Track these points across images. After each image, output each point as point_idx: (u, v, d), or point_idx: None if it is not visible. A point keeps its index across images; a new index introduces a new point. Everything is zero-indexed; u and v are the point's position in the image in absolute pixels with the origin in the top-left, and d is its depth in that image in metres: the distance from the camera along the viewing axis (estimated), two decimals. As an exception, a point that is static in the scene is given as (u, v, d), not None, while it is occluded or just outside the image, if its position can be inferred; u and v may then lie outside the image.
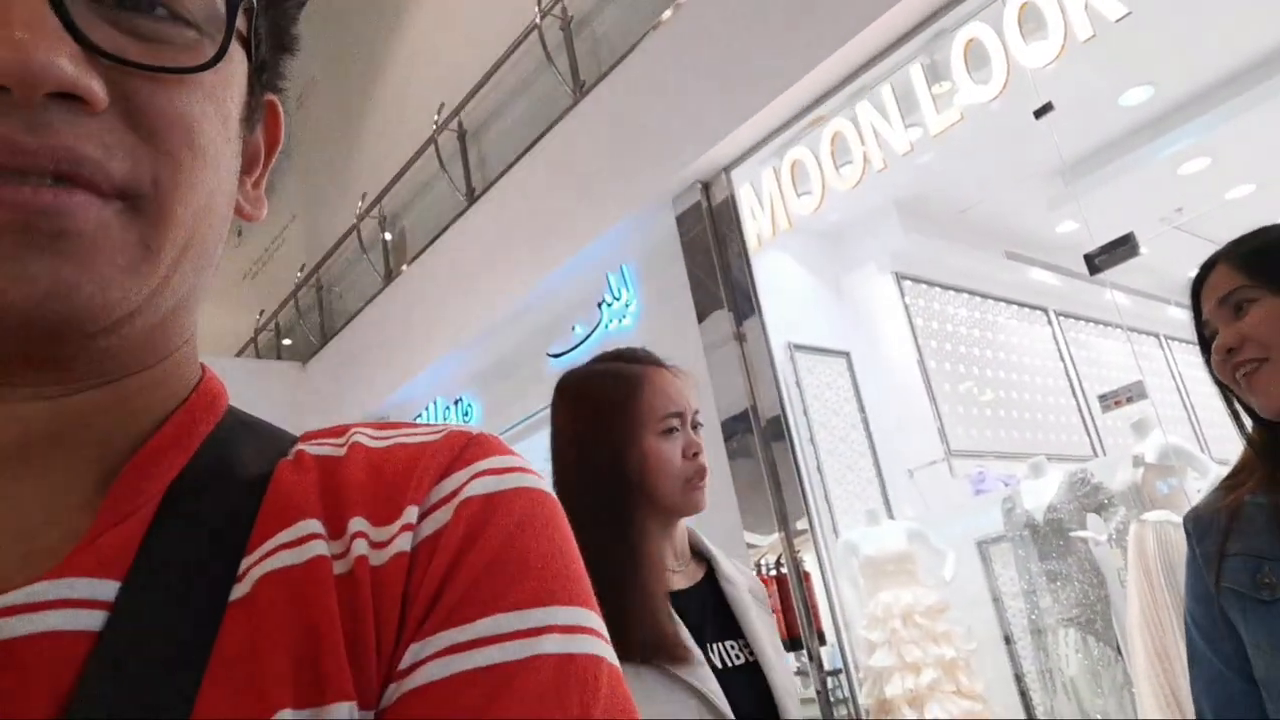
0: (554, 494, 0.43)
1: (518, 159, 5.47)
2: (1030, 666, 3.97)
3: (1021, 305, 5.85)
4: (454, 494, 0.40)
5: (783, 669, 1.15)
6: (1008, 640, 4.15)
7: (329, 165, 8.85)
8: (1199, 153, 4.96)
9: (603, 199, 4.81)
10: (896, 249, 4.91)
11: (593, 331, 5.14)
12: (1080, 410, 5.62)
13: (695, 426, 1.22)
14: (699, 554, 1.25)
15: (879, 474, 4.49)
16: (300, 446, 0.43)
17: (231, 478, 0.40)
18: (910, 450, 4.65)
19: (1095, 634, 3.67)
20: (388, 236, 7.26)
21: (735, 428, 4.19)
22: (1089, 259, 3.25)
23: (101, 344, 0.36)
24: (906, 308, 4.97)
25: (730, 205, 4.38)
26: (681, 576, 1.20)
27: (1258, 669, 1.01)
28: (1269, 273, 1.07)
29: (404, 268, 6.74)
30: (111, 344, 0.37)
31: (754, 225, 4.34)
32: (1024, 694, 4.05)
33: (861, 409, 4.58)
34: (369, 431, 0.44)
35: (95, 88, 0.33)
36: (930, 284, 5.23)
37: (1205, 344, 1.14)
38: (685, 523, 1.25)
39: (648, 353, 1.28)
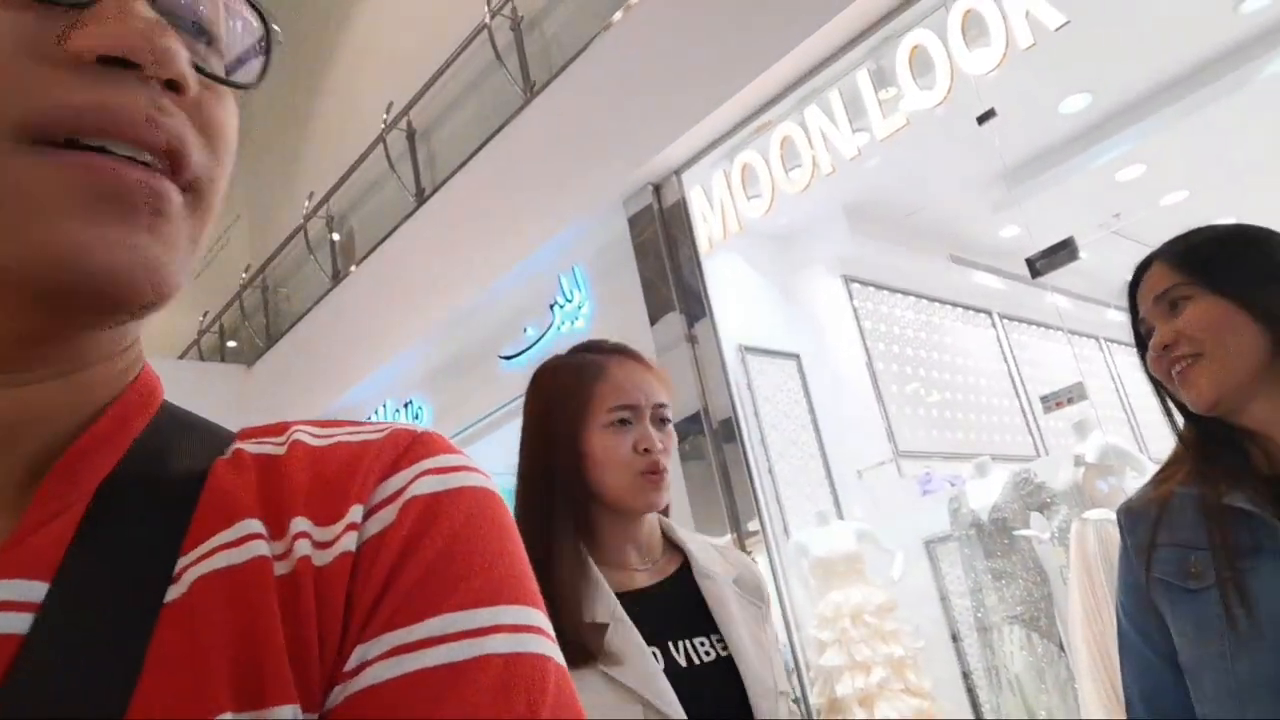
0: (496, 490, 0.42)
1: (468, 159, 5.42)
2: (977, 664, 4.03)
3: (966, 308, 5.96)
4: (399, 493, 0.39)
5: (760, 663, 1.11)
6: (954, 638, 4.21)
7: (275, 163, 8.70)
8: (1135, 159, 5.10)
9: (554, 200, 4.79)
10: (845, 252, 4.97)
11: (545, 333, 5.12)
12: (1023, 411, 5.75)
13: (661, 422, 1.18)
14: (676, 548, 1.22)
15: (829, 475, 4.53)
16: (238, 445, 0.42)
17: (166, 476, 0.39)
18: (859, 451, 4.70)
19: (1039, 631, 3.75)
20: (335, 237, 7.16)
21: (687, 429, 4.21)
22: (1030, 263, 3.32)
23: (117, 329, 0.37)
24: (855, 310, 5.03)
25: (681, 207, 4.40)
26: (646, 574, 1.17)
27: (1184, 657, 1.03)
28: (1203, 270, 1.09)
29: (352, 268, 6.65)
30: (118, 331, 0.38)
31: (705, 228, 4.36)
32: (970, 691, 4.12)
33: (811, 410, 4.62)
34: (310, 429, 0.44)
35: (195, 83, 0.36)
36: (878, 287, 5.30)
37: (1142, 342, 1.15)
38: (656, 517, 1.22)
39: (621, 346, 1.24)
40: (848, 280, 5.07)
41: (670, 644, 1.09)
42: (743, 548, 4.04)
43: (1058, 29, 3.11)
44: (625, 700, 1.02)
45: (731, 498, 4.10)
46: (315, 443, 0.42)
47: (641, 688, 1.03)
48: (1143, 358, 1.15)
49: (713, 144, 4.21)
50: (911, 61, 3.54)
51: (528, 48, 5.32)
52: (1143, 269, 1.16)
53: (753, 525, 4.06)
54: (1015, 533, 3.86)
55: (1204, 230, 1.15)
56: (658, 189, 4.48)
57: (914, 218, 5.29)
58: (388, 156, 6.28)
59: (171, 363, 8.48)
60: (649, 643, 1.08)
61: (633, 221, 4.57)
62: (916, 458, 4.90)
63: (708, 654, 1.10)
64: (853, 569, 3.97)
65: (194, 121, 0.37)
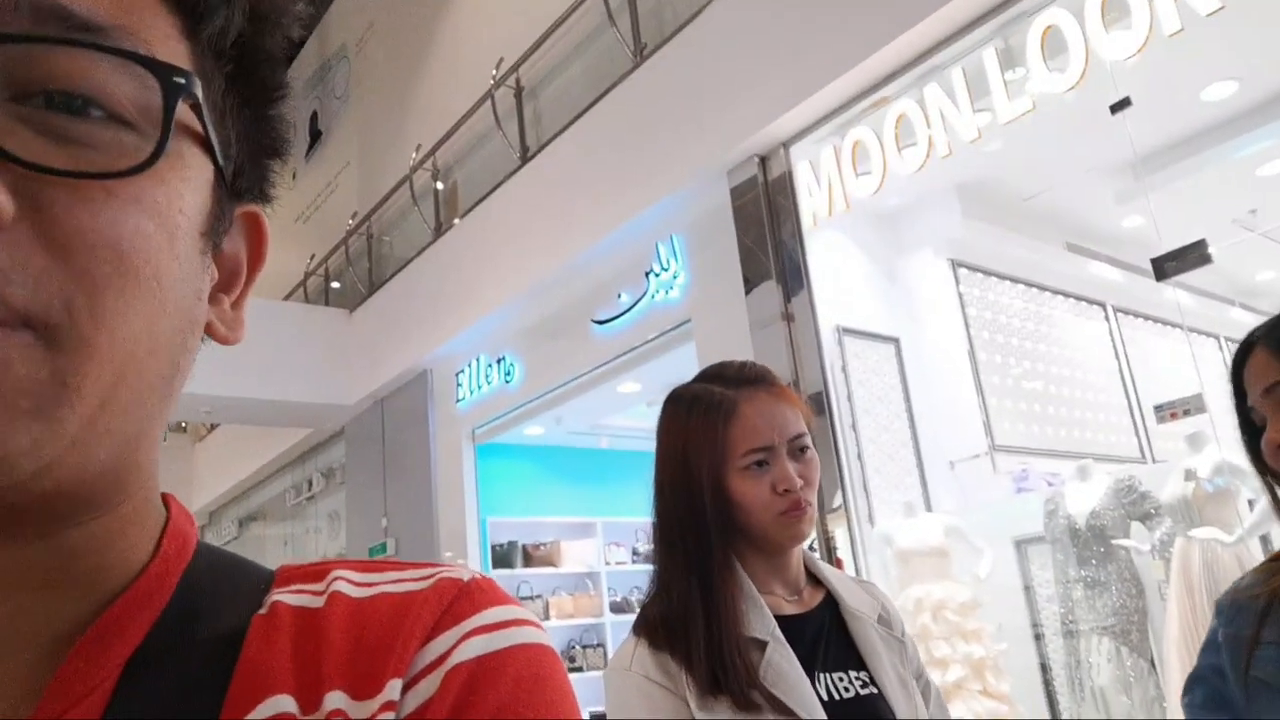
0: (552, 646, 0.39)
1: (573, 120, 5.41)
2: (1060, 672, 3.91)
3: (1079, 299, 5.69)
4: (441, 660, 0.36)
5: (905, 701, 1.11)
6: (1038, 640, 4.09)
7: (385, 113, 8.85)
8: (1279, 154, 4.74)
9: (657, 166, 4.74)
10: (954, 235, 4.78)
11: (639, 300, 5.10)
12: (1131, 411, 5.48)
13: (800, 451, 1.16)
14: (816, 580, 1.22)
15: (920, 464, 4.42)
16: (276, 596, 0.39)
17: (199, 644, 0.36)
18: (953, 442, 4.57)
19: (1130, 645, 3.61)
20: (440, 186, 7.26)
21: (776, 403, 4.16)
22: (1157, 264, 3.13)
23: (10, 500, 0.31)
24: (960, 296, 4.85)
25: (787, 181, 4.30)
26: (793, 604, 1.17)
27: None
28: None
29: (455, 221, 6.74)
30: (28, 500, 0.32)
31: (809, 203, 4.26)
32: (1051, 698, 4.00)
33: (906, 397, 4.51)
34: (352, 575, 0.40)
35: (6, 204, 0.29)
36: (986, 273, 5.09)
37: (1248, 424, 1.11)
38: (800, 549, 1.21)
39: (750, 371, 1.22)
40: (955, 264, 4.89)
41: (815, 675, 1.09)
42: (823, 526, 3.99)
43: (1210, 15, 2.89)
44: (783, 719, 1.02)
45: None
46: (356, 594, 0.39)
47: (802, 710, 1.03)
48: (1247, 441, 1.10)
49: (824, 118, 4.08)
50: (1043, 42, 3.35)
51: (640, 8, 5.24)
52: (1245, 351, 1.10)
53: (835, 502, 4.00)
54: (1113, 541, 3.71)
55: None
56: (764, 161, 4.38)
57: (1031, 203, 5.05)
58: (495, 113, 6.31)
59: (277, 303, 8.81)
60: None
61: (735, 193, 4.49)
62: (1013, 453, 4.73)
63: (847, 690, 1.09)
64: (938, 564, 3.88)
65: (37, 236, 0.30)
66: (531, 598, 6.73)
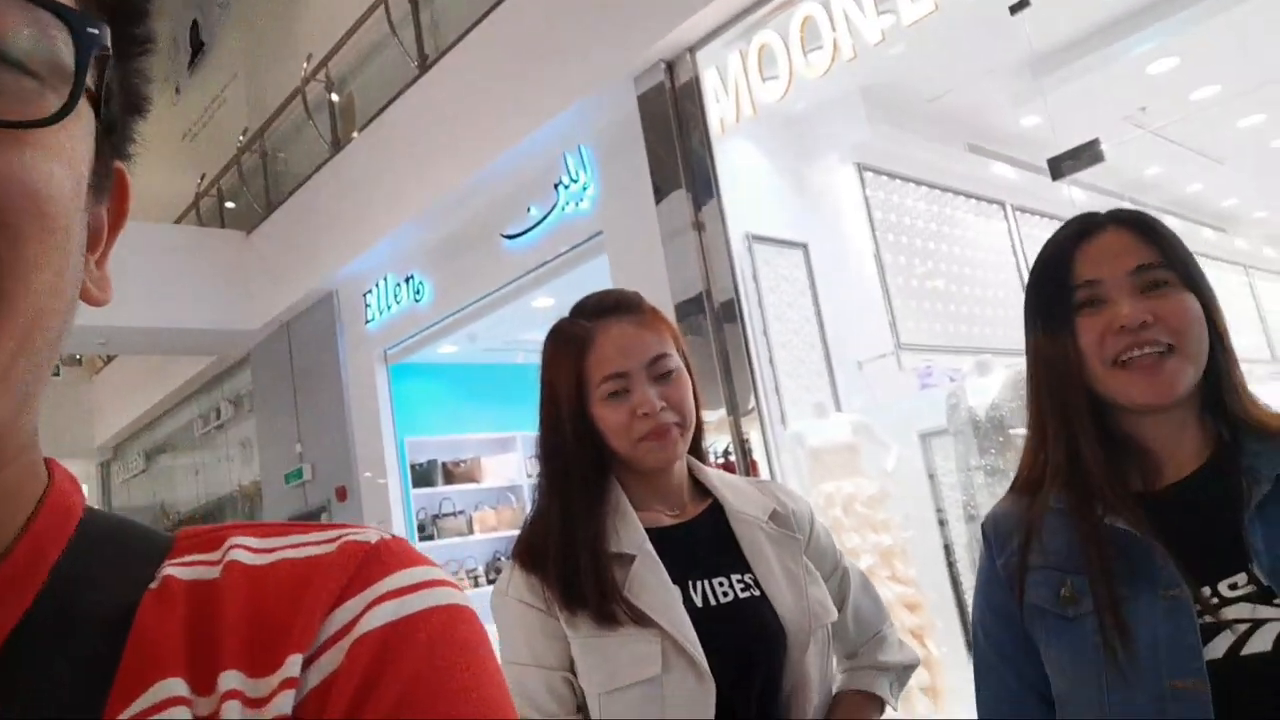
0: (468, 604, 0.37)
1: (473, 26, 5.20)
2: (962, 554, 4.15)
3: (980, 199, 5.84)
4: (347, 629, 0.34)
5: (795, 597, 1.14)
6: (942, 526, 4.33)
7: (272, 21, 8.35)
8: (1168, 52, 4.89)
9: (562, 75, 4.62)
10: (860, 139, 4.83)
11: (549, 213, 5.03)
12: (1028, 306, 5.71)
13: (663, 376, 1.18)
14: (707, 491, 1.24)
15: (829, 366, 4.54)
16: (169, 569, 0.37)
17: (85, 621, 0.34)
18: (861, 343, 4.70)
19: (1025, 526, 3.84)
20: (334, 98, 6.94)
21: (688, 310, 4.20)
22: (1052, 163, 3.23)
23: None
24: (866, 200, 4.93)
25: (694, 87, 4.25)
26: (673, 517, 1.20)
27: (1058, 688, 0.98)
28: (1181, 263, 1.00)
29: (354, 135, 6.48)
30: None
31: (717, 110, 4.22)
32: (954, 579, 4.26)
33: (815, 301, 4.60)
34: (250, 541, 0.38)
35: None
36: (891, 176, 5.17)
37: (1061, 306, 1.02)
38: (685, 462, 1.23)
39: (610, 299, 1.23)
40: (861, 168, 4.95)
41: (690, 584, 1.12)
42: (738, 428, 4.10)
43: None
44: (647, 636, 1.05)
45: (730, 380, 4.13)
46: (254, 561, 0.37)
47: (665, 622, 1.05)
48: (1053, 324, 1.03)
49: (730, 21, 4.02)
50: (944, -59, 3.34)
51: (538, -94, 5.02)
52: (1096, 226, 1.04)
53: (749, 405, 4.10)
54: (1011, 431, 3.91)
55: (1158, 220, 1.05)
56: (670, 66, 4.31)
57: (934, 104, 5.11)
58: (389, 18, 6.02)
59: (169, 227, 8.38)
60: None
61: (642, 100, 4.42)
62: (919, 350, 4.90)
63: (726, 595, 1.13)
64: (848, 460, 4.04)
65: None
66: (454, 514, 6.77)
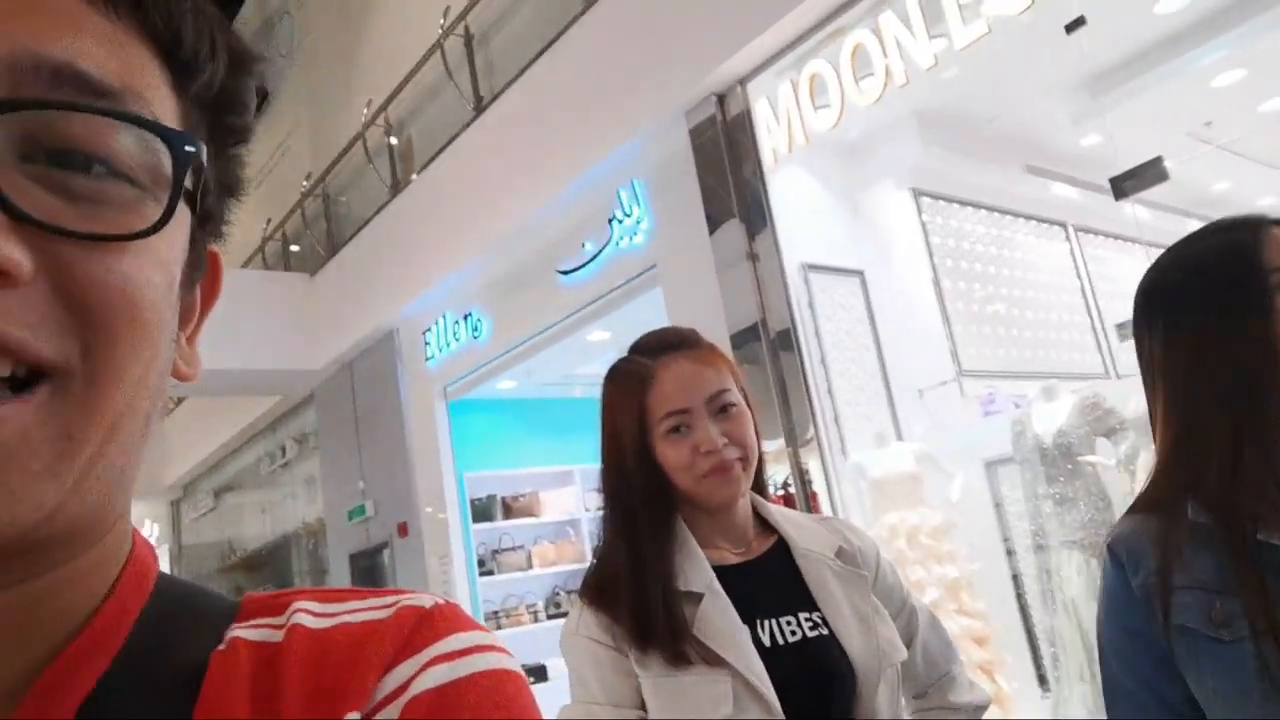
0: (517, 669, 0.39)
1: (526, 67, 5.30)
2: (1031, 585, 4.03)
3: (1040, 220, 5.73)
4: (401, 689, 0.36)
5: (864, 635, 1.12)
6: (1010, 556, 4.21)
7: (332, 70, 8.63)
8: (1233, 64, 4.76)
9: (614, 111, 4.68)
10: (915, 164, 4.78)
11: (603, 248, 5.07)
12: (1094, 329, 5.58)
13: (723, 410, 1.17)
14: (772, 528, 1.23)
15: (889, 394, 4.48)
16: (236, 632, 0.39)
17: (155, 685, 0.36)
18: (921, 370, 4.63)
19: (1099, 556, 3.71)
20: (393, 141, 7.12)
21: (744, 339, 4.18)
22: (1115, 183, 3.15)
23: (11, 552, 0.32)
24: (923, 225, 4.87)
25: (745, 119, 4.26)
26: (739, 555, 1.19)
27: (1212, 713, 0.91)
28: None
29: (412, 178, 6.63)
30: (22, 550, 0.32)
31: (769, 140, 4.23)
32: (1023, 610, 4.13)
33: (874, 328, 4.54)
34: (312, 606, 0.40)
35: (18, 258, 0.29)
36: (948, 200, 5.12)
37: (1247, 292, 0.94)
38: (749, 499, 1.22)
39: (670, 337, 1.23)
40: (917, 194, 4.90)
41: (758, 623, 1.10)
42: (797, 459, 4.05)
43: (1159, -73, 2.87)
44: (717, 675, 1.04)
45: (788, 409, 4.08)
46: (316, 625, 0.39)
47: (735, 661, 1.04)
48: (1238, 312, 0.95)
49: (780, 52, 4.04)
50: (996, -37, 3.32)
51: (587, -52, 5.12)
52: (1258, 228, 0.99)
53: (808, 435, 4.05)
54: (1080, 458, 3.80)
55: None
56: (721, 99, 4.33)
57: (990, 127, 5.05)
58: (445, 63, 6.17)
59: (236, 271, 8.61)
60: None
61: (694, 134, 4.45)
62: (981, 377, 4.81)
63: (794, 634, 1.11)
64: (910, 490, 3.95)
65: (56, 291, 0.31)
66: (513, 549, 6.79)
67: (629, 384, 1.20)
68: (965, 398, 4.66)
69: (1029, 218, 5.62)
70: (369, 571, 7.53)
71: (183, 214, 0.36)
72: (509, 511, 6.86)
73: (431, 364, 6.59)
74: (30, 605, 0.34)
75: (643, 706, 1.07)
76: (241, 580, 10.44)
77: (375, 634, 0.38)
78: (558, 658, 1.15)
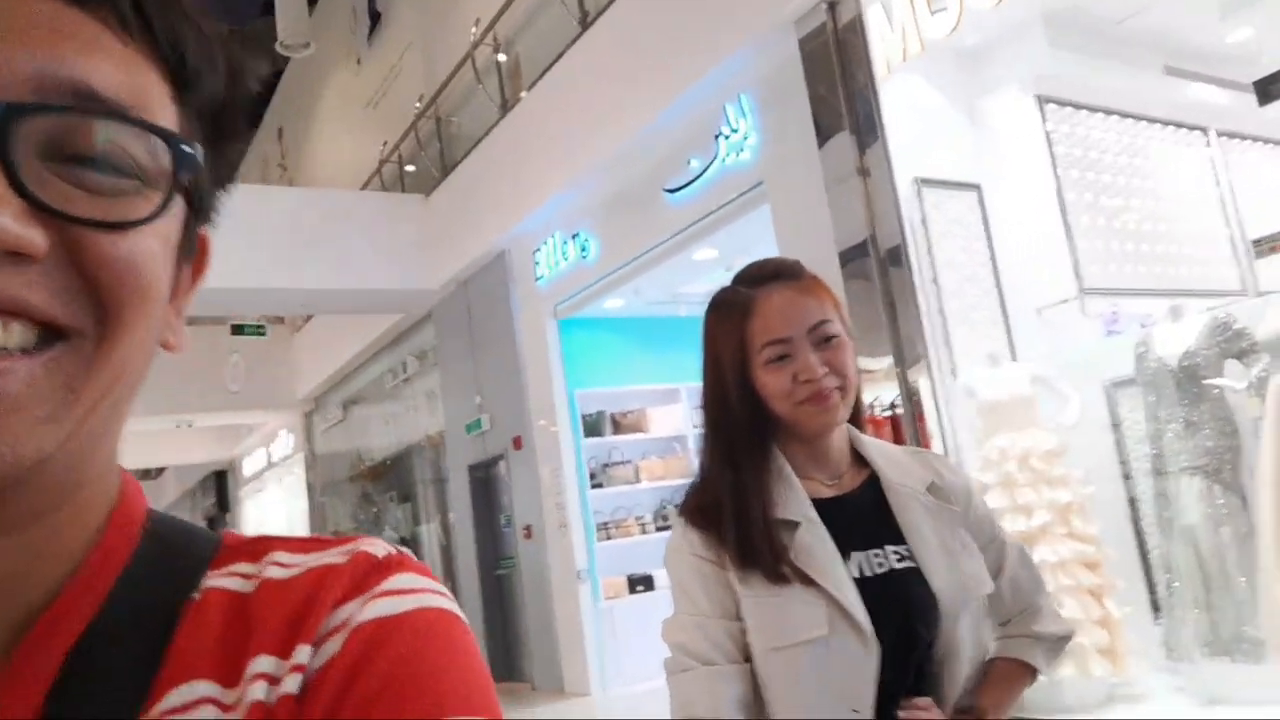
0: (459, 614, 0.42)
1: (632, -21, 5.21)
2: (1149, 511, 3.91)
3: (1179, 126, 5.34)
4: (346, 622, 0.39)
5: (949, 570, 1.15)
6: (1127, 481, 4.08)
7: (441, -12, 8.66)
8: None
9: (721, 22, 4.57)
10: (1041, 69, 4.52)
11: (709, 165, 5.03)
12: (1234, 243, 5.22)
13: (825, 340, 1.18)
14: (865, 462, 1.25)
15: (1004, 313, 4.34)
16: (211, 581, 0.42)
17: (138, 627, 0.40)
18: (1040, 288, 4.46)
19: (1222, 483, 3.57)
20: (501, 58, 7.15)
21: (853, 256, 4.11)
22: (1260, 86, 2.92)
23: (8, 493, 0.36)
24: (1047, 134, 4.61)
25: (858, 26, 4.11)
26: (832, 487, 1.21)
27: None
28: None
29: (520, 96, 6.67)
30: (14, 495, 0.36)
31: (882, 48, 4.07)
32: (1139, 536, 4.02)
33: (990, 245, 4.39)
34: (284, 557, 0.44)
35: (35, 238, 0.34)
36: (1076, 106, 4.81)
37: None
38: (845, 431, 1.24)
39: (771, 267, 1.24)
40: (1042, 101, 4.63)
41: (850, 553, 1.14)
42: (904, 378, 4.00)
43: None
44: (814, 598, 1.09)
45: (896, 327, 4.01)
46: (284, 574, 0.42)
47: (832, 587, 1.09)
48: None
49: (894, -46, 3.85)
50: None
51: None
52: None
53: (916, 355, 3.98)
54: (1206, 381, 3.62)
55: None
56: (832, 6, 4.18)
57: (1124, 25, 4.71)
58: (551, -23, 6.12)
59: (355, 194, 8.92)
60: None
61: (804, 44, 4.31)
62: (1105, 295, 4.58)
63: (881, 565, 1.14)
64: (1023, 413, 3.86)
65: (72, 265, 0.36)
66: (623, 463, 6.98)
67: (730, 313, 1.22)
68: (1087, 317, 4.47)
69: (1165, 123, 5.25)
70: (485, 483, 7.88)
71: (178, 204, 0.41)
72: (618, 427, 7.03)
73: (541, 283, 6.72)
74: (26, 551, 0.38)
75: (742, 620, 1.12)
76: (369, 487, 11.08)
77: (329, 575, 0.41)
78: (663, 569, 1.22)
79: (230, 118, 0.44)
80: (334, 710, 0.37)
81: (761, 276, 1.22)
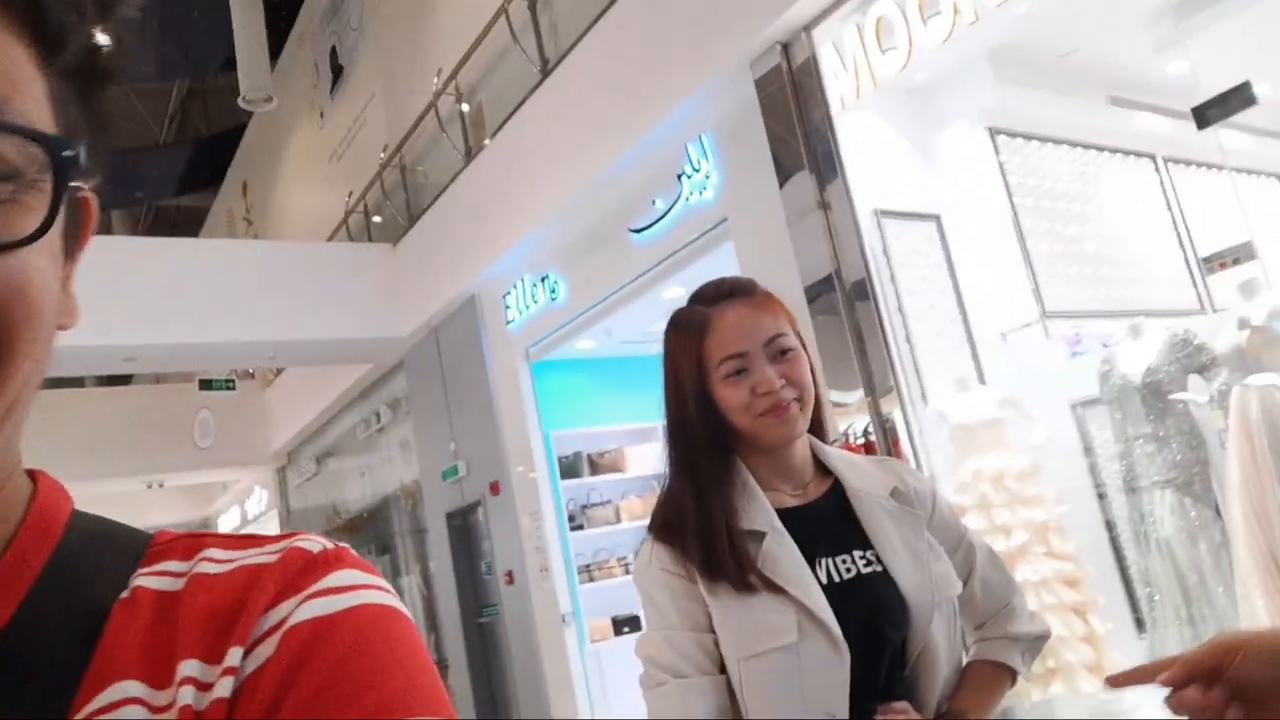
0: (400, 608, 0.40)
1: (589, 27, 5.32)
2: (1124, 527, 3.97)
3: (1127, 153, 5.51)
4: (280, 624, 0.38)
5: (917, 572, 1.16)
6: (1101, 499, 4.14)
7: (403, 40, 8.76)
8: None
9: (678, 65, 4.67)
10: (990, 103, 4.65)
11: (673, 204, 5.10)
12: (1188, 263, 5.36)
13: (781, 354, 1.21)
14: (828, 471, 1.27)
15: (970, 339, 4.42)
16: (140, 580, 0.41)
17: (62, 629, 0.38)
18: (1003, 313, 4.55)
19: (1193, 495, 3.64)
20: (465, 108, 7.23)
21: (819, 291, 4.18)
22: (1198, 113, 3.04)
23: None
24: (1001, 165, 4.74)
25: (812, 66, 4.21)
26: (796, 497, 1.23)
27: None
28: None
29: (485, 143, 6.73)
30: None
31: (837, 86, 4.18)
32: (1117, 553, 4.07)
33: (952, 273, 4.47)
34: (218, 553, 0.42)
35: None
36: (1027, 137, 4.96)
37: None
38: (806, 442, 1.26)
39: (726, 285, 1.28)
40: (993, 133, 4.76)
41: (815, 562, 1.16)
42: (876, 408, 4.05)
43: None
44: (783, 605, 1.10)
45: (865, 360, 4.07)
46: (216, 570, 0.41)
47: (799, 594, 1.10)
48: None
49: (844, -4, 3.97)
50: (1067, -112, 3.19)
51: (646, -99, 5.08)
52: None
53: (888, 384, 4.04)
54: (1170, 396, 3.70)
55: None
56: (786, 48, 4.28)
57: (1068, 60, 4.86)
58: (510, 27, 6.22)
59: (322, 245, 8.91)
60: None
61: (760, 85, 4.41)
62: (1066, 317, 4.69)
63: (848, 570, 1.16)
64: (994, 435, 3.92)
65: None
66: (602, 503, 6.96)
67: (688, 331, 1.25)
68: (1050, 339, 4.57)
69: (1114, 151, 5.41)
70: (464, 530, 7.81)
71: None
72: (595, 468, 7.02)
73: (512, 327, 6.74)
74: None
75: (713, 632, 1.14)
76: (346, 540, 10.88)
77: (261, 575, 0.40)
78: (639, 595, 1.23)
79: (103, 59, 0.40)
80: (271, 715, 0.35)
81: (718, 295, 1.26)
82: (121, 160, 15.12)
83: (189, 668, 0.37)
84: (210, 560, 0.41)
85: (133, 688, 0.36)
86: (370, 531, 10.36)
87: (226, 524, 15.26)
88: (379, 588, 0.40)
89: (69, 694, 0.36)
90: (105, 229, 16.44)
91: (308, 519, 11.77)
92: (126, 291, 6.44)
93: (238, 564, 0.41)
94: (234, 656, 0.37)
